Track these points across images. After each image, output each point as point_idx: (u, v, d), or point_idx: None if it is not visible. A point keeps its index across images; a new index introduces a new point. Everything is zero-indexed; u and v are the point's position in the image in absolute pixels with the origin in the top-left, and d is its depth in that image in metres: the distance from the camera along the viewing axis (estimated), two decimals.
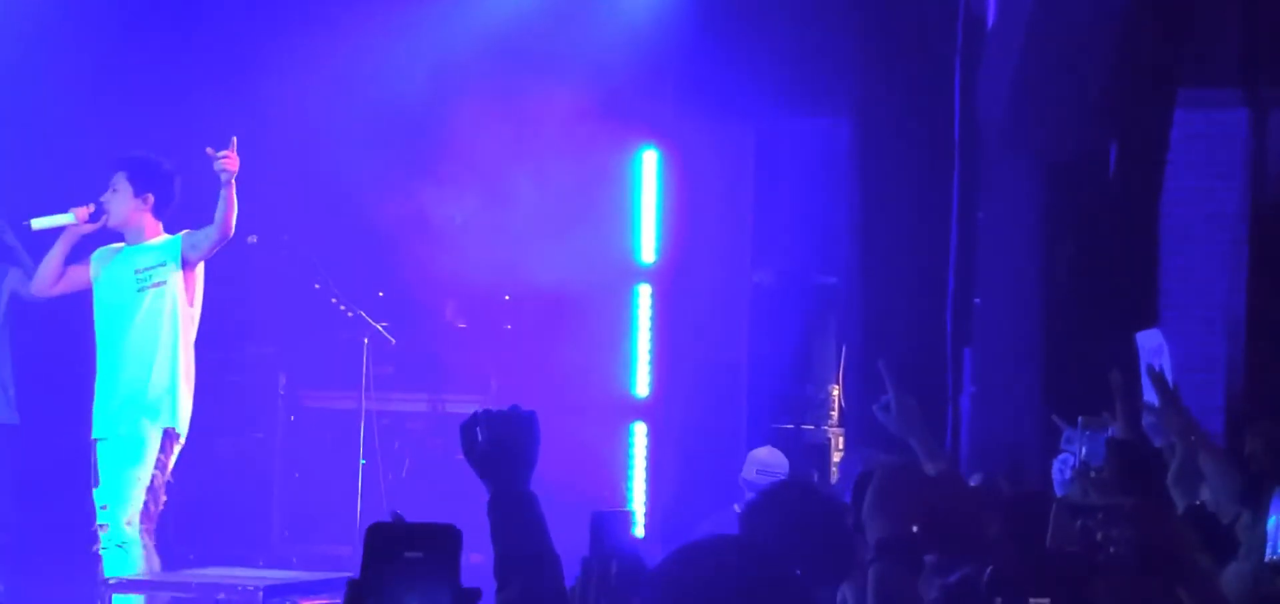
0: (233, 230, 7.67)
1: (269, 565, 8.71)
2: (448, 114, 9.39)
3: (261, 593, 6.76)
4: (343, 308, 9.65)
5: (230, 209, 7.56)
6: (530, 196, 9.52)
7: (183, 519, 8.98)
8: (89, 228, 7.75)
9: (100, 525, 7.61)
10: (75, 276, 7.89)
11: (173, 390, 7.72)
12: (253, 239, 9.05)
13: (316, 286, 9.67)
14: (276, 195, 9.41)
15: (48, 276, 7.88)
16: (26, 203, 8.14)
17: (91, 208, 7.73)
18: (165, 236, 7.84)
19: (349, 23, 9.50)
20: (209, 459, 9.31)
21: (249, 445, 10.10)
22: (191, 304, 7.83)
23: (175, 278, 7.76)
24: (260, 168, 8.45)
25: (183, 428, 7.75)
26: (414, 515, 2.62)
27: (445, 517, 6.80)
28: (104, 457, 7.72)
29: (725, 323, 9.93)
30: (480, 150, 9.47)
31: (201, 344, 8.00)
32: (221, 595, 6.79)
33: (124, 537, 7.51)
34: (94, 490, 7.70)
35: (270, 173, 9.04)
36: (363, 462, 9.64)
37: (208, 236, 7.72)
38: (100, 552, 7.62)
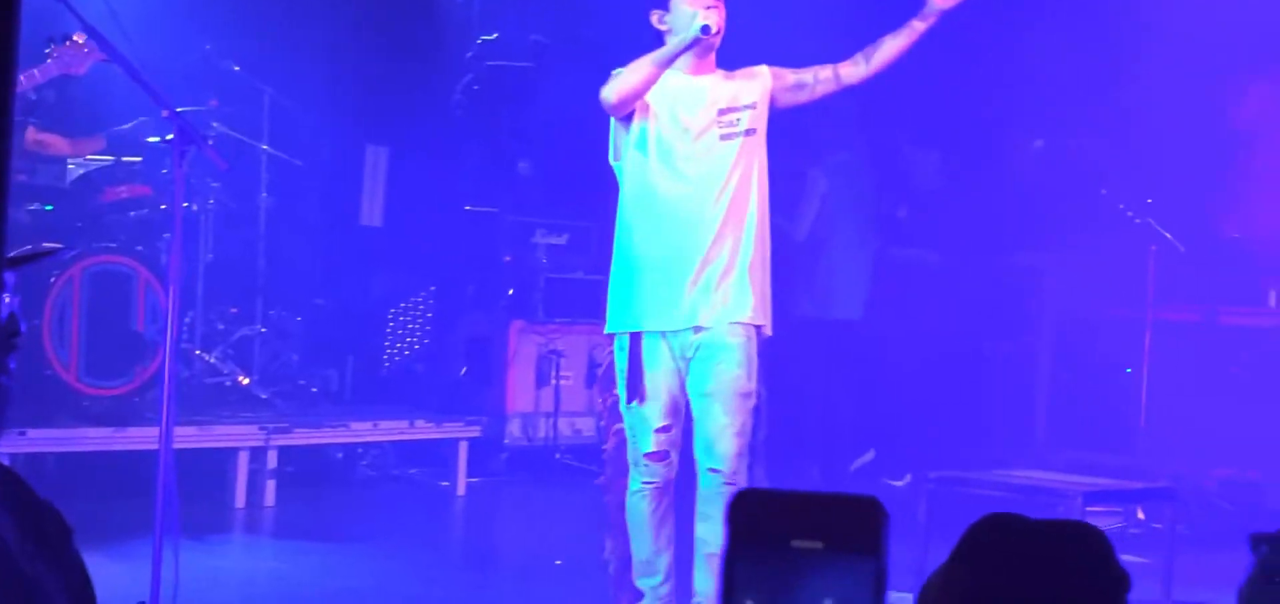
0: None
1: (1033, 468, 8.46)
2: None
3: (1081, 497, 6.67)
4: (1130, 214, 9.41)
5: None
6: None
7: (942, 420, 9.42)
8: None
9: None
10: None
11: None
12: (1039, 144, 8.93)
13: (1103, 192, 9.53)
14: (1063, 98, 9.72)
15: (638, 87, 5.82)
16: None
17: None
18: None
19: None
20: (978, 364, 9.87)
21: (1016, 351, 10.40)
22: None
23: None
24: (1049, 70, 8.96)
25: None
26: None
27: (1216, 430, 7.32)
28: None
29: None
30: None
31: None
32: (1041, 497, 6.73)
33: None
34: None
35: (1058, 75, 9.40)
36: (1128, 370, 9.67)
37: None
38: None
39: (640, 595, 5.99)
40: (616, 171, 5.97)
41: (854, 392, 10.27)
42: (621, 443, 6.02)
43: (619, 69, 5.81)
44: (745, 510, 0.95)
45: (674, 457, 5.84)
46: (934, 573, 2.16)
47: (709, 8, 5.76)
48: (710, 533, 5.78)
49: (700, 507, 5.81)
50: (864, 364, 10.32)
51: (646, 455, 5.83)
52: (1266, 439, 9.36)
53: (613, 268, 5.97)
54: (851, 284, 10.17)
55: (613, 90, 5.80)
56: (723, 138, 5.85)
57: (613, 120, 5.92)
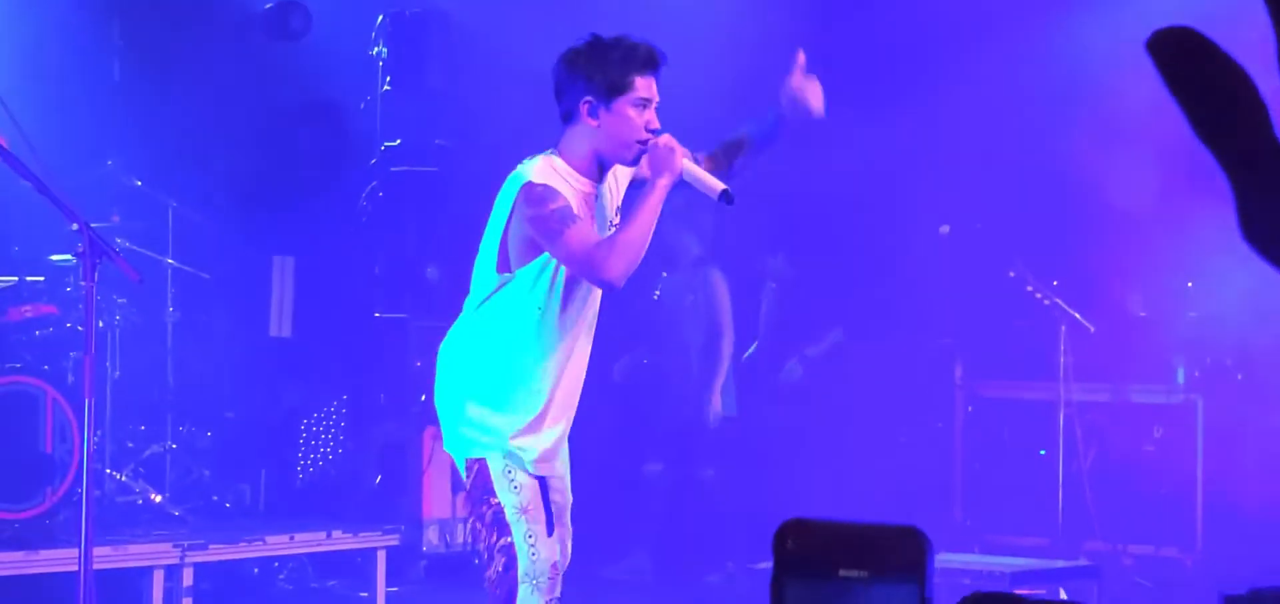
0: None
1: (953, 551, 8.54)
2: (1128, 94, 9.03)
3: (1008, 578, 6.88)
4: (1039, 295, 9.54)
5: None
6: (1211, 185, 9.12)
7: (861, 506, 9.11)
8: None
9: None
10: None
11: None
12: (945, 230, 9.59)
13: (1011, 274, 9.61)
14: (968, 183, 9.82)
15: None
16: None
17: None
18: None
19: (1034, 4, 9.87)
20: (894, 451, 9.97)
21: (928, 435, 10.39)
22: None
23: None
24: (954, 155, 9.32)
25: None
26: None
27: (1131, 508, 7.85)
28: None
29: None
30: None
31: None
32: (966, 580, 6.81)
33: None
34: None
35: (963, 161, 9.67)
36: (1042, 452, 9.75)
37: None
38: None
39: None
40: (497, 281, 5.11)
41: (762, 490, 10.23)
42: (511, 563, 5.13)
43: (594, 236, 4.96)
44: (792, 539, 0.99)
45: None
46: None
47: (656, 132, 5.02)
48: None
49: None
50: (778, 460, 10.30)
51: (553, 566, 5.12)
52: (1179, 515, 9.44)
53: (493, 378, 5.17)
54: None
55: (623, 262, 4.91)
56: None
57: (516, 228, 5.02)
